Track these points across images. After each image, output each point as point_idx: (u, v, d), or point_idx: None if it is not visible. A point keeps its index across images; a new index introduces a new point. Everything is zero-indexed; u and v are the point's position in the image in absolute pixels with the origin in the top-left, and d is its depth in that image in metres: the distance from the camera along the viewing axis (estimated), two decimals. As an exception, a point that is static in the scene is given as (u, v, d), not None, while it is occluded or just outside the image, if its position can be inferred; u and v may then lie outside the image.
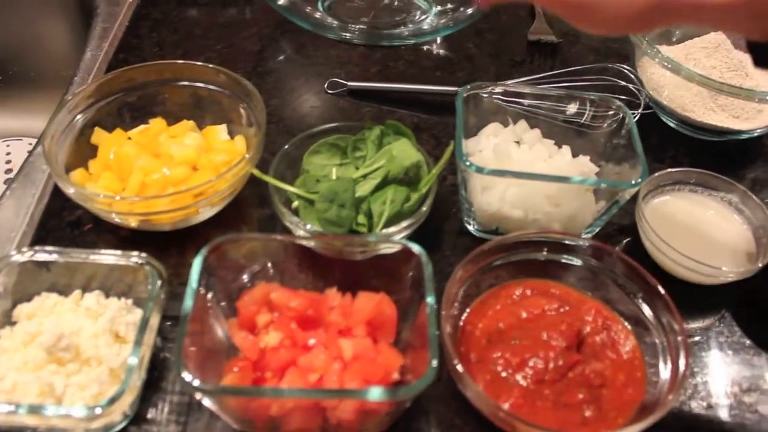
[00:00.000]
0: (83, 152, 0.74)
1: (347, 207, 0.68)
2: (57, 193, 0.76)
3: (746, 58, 0.86)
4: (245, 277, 0.62)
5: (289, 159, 0.72)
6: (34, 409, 0.52)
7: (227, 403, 0.54)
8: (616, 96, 0.79)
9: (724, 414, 0.63)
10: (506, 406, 0.57)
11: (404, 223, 0.66)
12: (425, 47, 1.02)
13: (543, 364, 0.59)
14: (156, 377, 0.61)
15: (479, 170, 0.67)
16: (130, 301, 0.63)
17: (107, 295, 0.63)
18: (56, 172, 0.67)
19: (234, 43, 1.00)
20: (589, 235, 0.74)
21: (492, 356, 0.60)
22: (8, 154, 1.13)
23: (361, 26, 1.02)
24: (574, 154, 0.77)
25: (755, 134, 0.86)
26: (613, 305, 0.66)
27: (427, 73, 0.97)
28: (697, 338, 0.69)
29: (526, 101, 0.79)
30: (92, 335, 0.59)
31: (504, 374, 0.59)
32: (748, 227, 0.74)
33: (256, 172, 0.69)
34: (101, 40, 0.98)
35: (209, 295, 0.59)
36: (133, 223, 0.69)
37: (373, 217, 0.68)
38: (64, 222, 0.74)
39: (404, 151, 0.71)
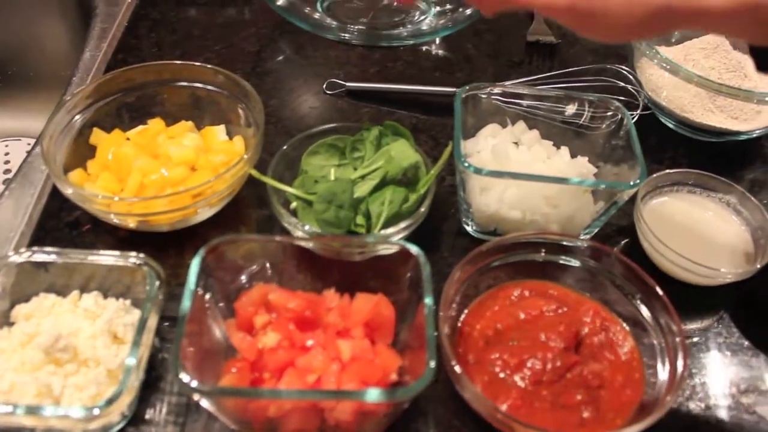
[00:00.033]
0: (82, 153, 0.74)
1: (345, 208, 0.68)
2: (55, 194, 0.76)
3: (745, 59, 0.86)
4: (243, 278, 0.62)
5: (287, 160, 0.72)
6: (32, 410, 0.52)
7: (225, 404, 0.54)
8: (615, 97, 0.79)
9: (722, 415, 0.63)
10: (504, 407, 0.57)
11: (402, 224, 0.66)
12: (424, 48, 1.02)
13: (541, 365, 0.59)
14: (154, 378, 0.61)
15: (478, 171, 0.67)
16: (128, 302, 0.63)
17: (105, 296, 0.63)
18: (55, 173, 0.67)
19: (233, 43, 1.00)
20: (588, 236, 0.74)
21: (490, 357, 0.60)
22: (7, 154, 1.13)
23: (360, 27, 1.02)
24: (573, 155, 0.77)
25: (754, 135, 0.86)
26: (611, 306, 0.66)
27: (425, 74, 0.97)
28: (695, 339, 0.69)
29: (524, 102, 0.79)
30: (90, 336, 0.59)
31: (502, 375, 0.59)
32: (746, 228, 0.74)
33: (255, 173, 0.69)
34: (100, 41, 0.98)
35: (207, 296, 0.59)
36: (131, 223, 0.69)
37: (372, 218, 0.68)
38: (62, 222, 0.74)
39: (403, 152, 0.71)
